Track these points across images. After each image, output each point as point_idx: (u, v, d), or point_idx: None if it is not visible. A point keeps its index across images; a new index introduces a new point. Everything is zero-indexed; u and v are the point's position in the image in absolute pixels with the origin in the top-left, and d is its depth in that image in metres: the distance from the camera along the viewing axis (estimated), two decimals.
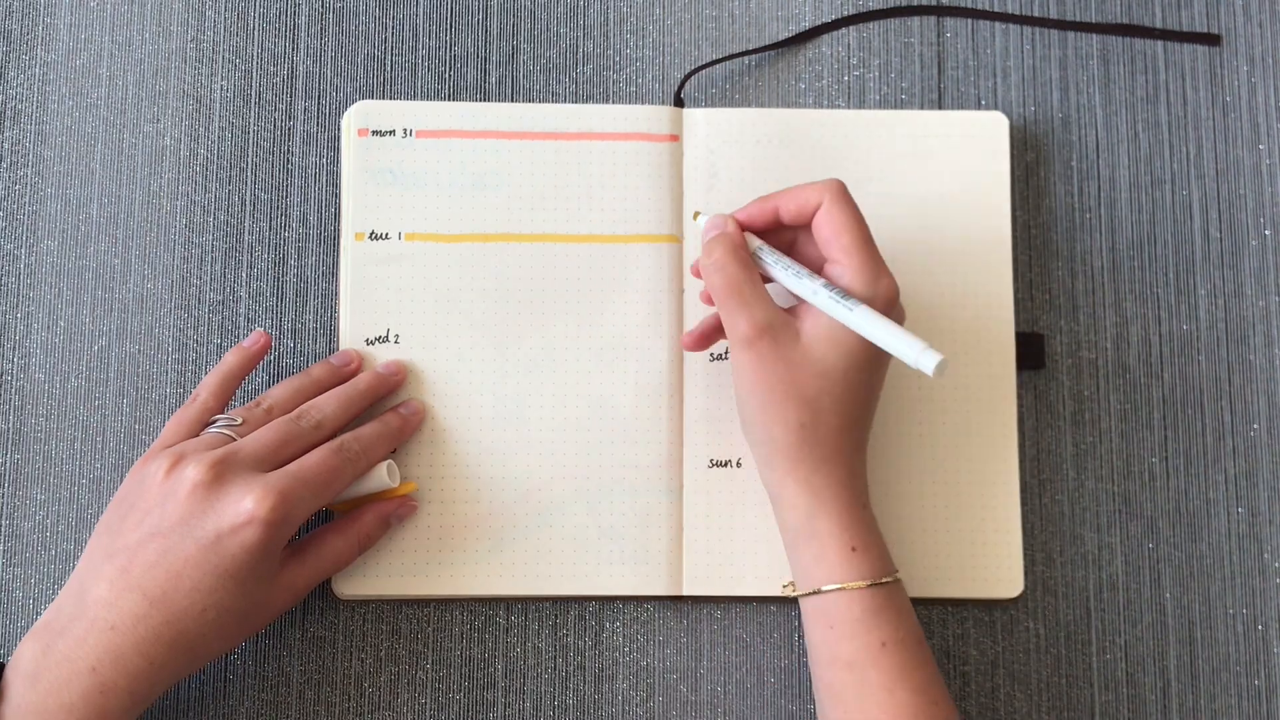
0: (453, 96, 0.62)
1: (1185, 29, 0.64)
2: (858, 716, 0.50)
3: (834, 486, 0.52)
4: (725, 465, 0.59)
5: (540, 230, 0.60)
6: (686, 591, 0.58)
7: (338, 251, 0.61)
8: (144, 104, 0.62)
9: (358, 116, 0.61)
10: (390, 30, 0.63)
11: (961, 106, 0.63)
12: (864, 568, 0.51)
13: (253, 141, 0.62)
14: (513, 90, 0.63)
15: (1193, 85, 0.64)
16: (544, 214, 0.60)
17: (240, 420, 0.54)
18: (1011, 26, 0.64)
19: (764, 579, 0.58)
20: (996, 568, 0.59)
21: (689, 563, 0.58)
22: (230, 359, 0.57)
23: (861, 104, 0.63)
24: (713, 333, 0.57)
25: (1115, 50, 0.64)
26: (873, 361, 0.52)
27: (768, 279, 0.54)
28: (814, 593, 0.51)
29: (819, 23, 0.64)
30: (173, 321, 0.61)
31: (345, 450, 0.54)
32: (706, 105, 0.63)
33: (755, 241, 0.54)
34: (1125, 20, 0.64)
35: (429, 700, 0.58)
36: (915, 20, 0.64)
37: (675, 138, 0.61)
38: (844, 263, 0.52)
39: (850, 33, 0.64)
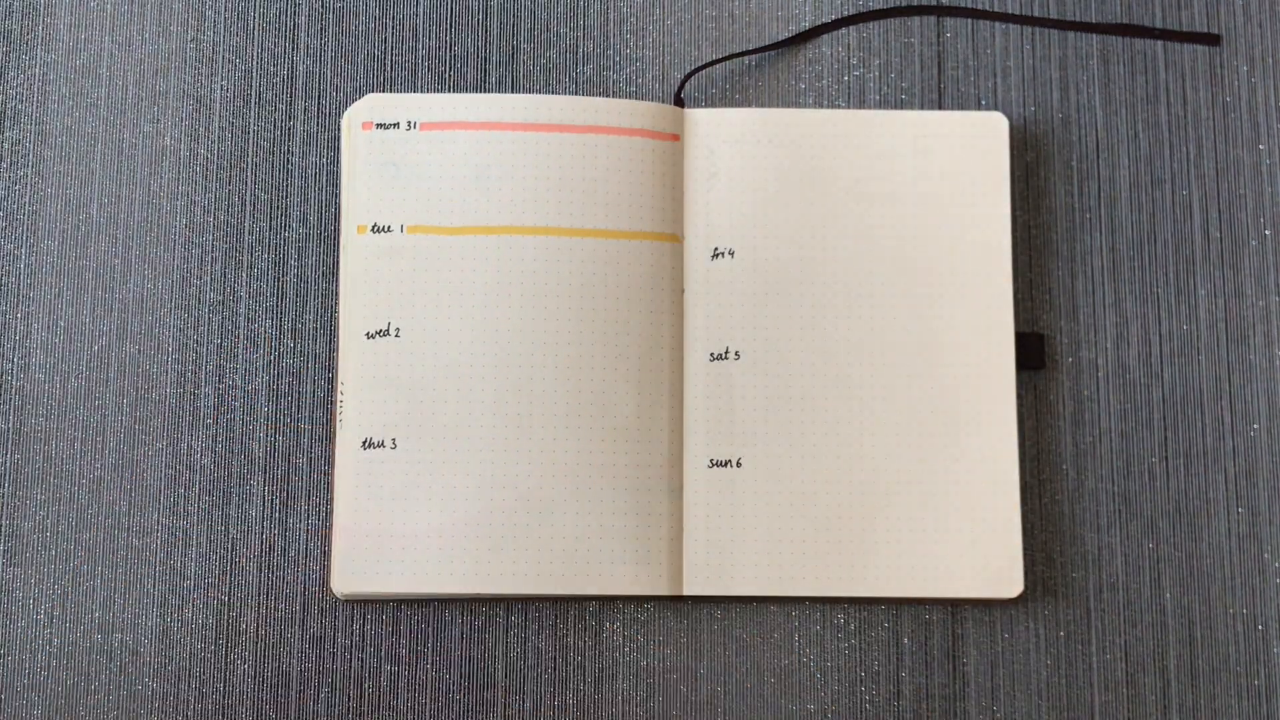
0: None
1: (1185, 29, 0.64)
2: None
3: None
4: (725, 465, 0.59)
5: (543, 224, 0.60)
6: (686, 591, 0.58)
7: (338, 251, 0.61)
8: (144, 104, 0.62)
9: (364, 110, 0.61)
10: (390, 30, 0.63)
11: (961, 106, 0.63)
12: None
13: (253, 141, 0.62)
14: (512, 90, 0.63)
15: (1193, 85, 0.64)
16: (547, 207, 0.60)
17: None
18: (1011, 26, 0.64)
19: (764, 579, 0.58)
20: (996, 568, 0.59)
21: (689, 563, 0.58)
22: None
23: (861, 104, 0.63)
24: None
25: (1115, 50, 0.64)
26: None
27: None
28: None
29: (819, 23, 0.64)
30: (173, 321, 0.61)
31: None
32: (706, 105, 0.63)
33: None
34: (1125, 20, 0.64)
35: (429, 700, 0.58)
36: (915, 20, 0.64)
37: (676, 137, 0.61)
38: None
39: (850, 33, 0.64)
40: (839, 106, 0.63)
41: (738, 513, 0.59)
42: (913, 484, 0.59)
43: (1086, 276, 0.62)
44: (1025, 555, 0.59)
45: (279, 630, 0.58)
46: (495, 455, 0.58)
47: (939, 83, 0.64)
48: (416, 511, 0.58)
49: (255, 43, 0.63)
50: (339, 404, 0.59)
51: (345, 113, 0.61)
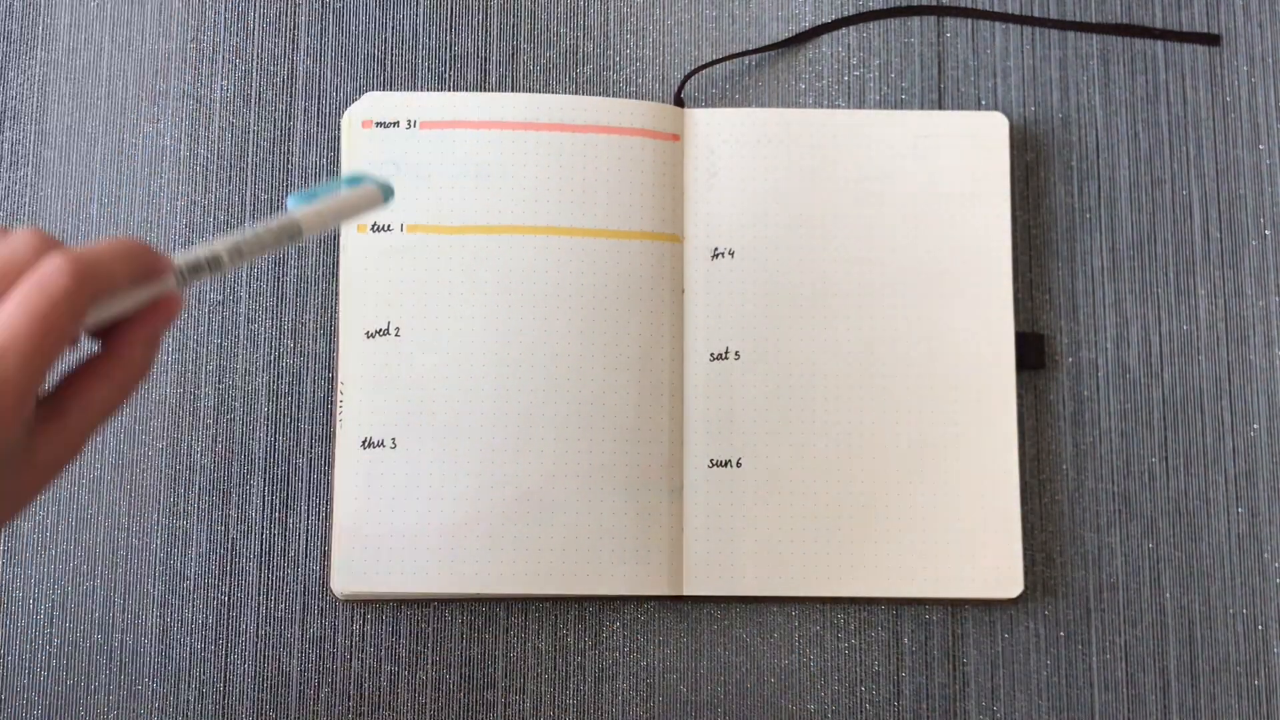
0: None
1: (1185, 29, 0.64)
2: None
3: None
4: (725, 465, 0.59)
5: (543, 223, 0.60)
6: (686, 591, 0.58)
7: (338, 251, 0.61)
8: (144, 104, 0.62)
9: (364, 108, 0.61)
10: (390, 30, 0.63)
11: (961, 106, 0.63)
12: None
13: (253, 141, 0.62)
14: (512, 90, 0.63)
15: (1193, 85, 0.64)
16: (547, 207, 0.60)
17: None
18: (1011, 26, 0.64)
19: (764, 579, 0.58)
20: (996, 568, 0.59)
21: (689, 563, 0.58)
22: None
23: (861, 104, 0.63)
24: None
25: (1115, 50, 0.64)
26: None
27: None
28: None
29: (819, 23, 0.64)
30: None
31: (81, 268, 0.38)
32: (706, 105, 0.63)
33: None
34: (1125, 20, 0.64)
35: (429, 700, 0.58)
36: (915, 20, 0.64)
37: (676, 137, 0.61)
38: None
39: (850, 33, 0.64)
40: (839, 106, 0.63)
41: (738, 513, 0.59)
42: (913, 484, 0.59)
43: (1086, 276, 0.62)
44: (1025, 555, 0.59)
45: (279, 630, 0.58)
46: (495, 455, 0.58)
47: (939, 83, 0.64)
48: (416, 511, 0.58)
49: (255, 43, 0.63)
50: (339, 403, 0.59)
51: (345, 112, 0.61)
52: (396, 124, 0.61)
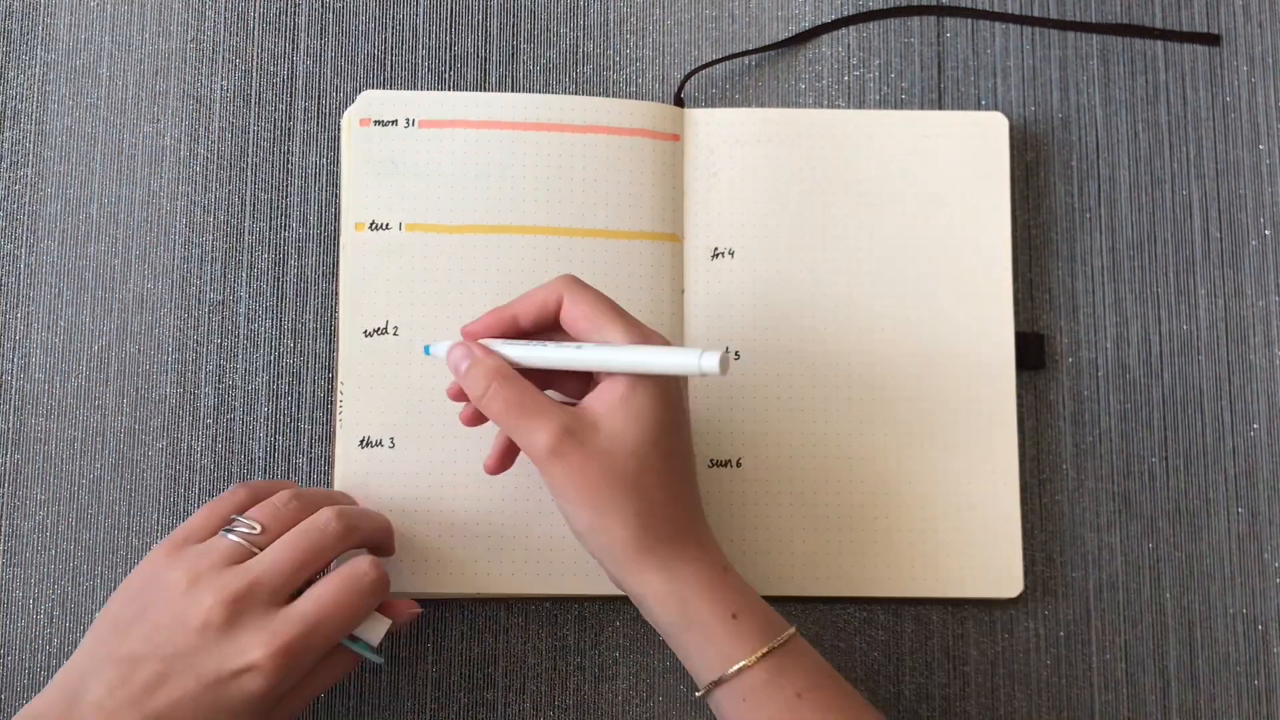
0: None
1: (1185, 29, 0.64)
2: None
3: (691, 562, 0.50)
4: (725, 465, 0.59)
5: (542, 223, 0.60)
6: None
7: (338, 250, 0.61)
8: (144, 104, 0.62)
9: (362, 106, 0.61)
10: (390, 30, 0.63)
11: (961, 106, 0.63)
12: (751, 633, 0.50)
13: (253, 141, 0.62)
14: (512, 90, 0.63)
15: (1193, 85, 0.64)
16: (546, 207, 0.60)
17: (259, 529, 0.51)
18: (1011, 26, 0.64)
19: (764, 579, 0.58)
20: (996, 568, 0.59)
21: None
22: (286, 491, 0.54)
23: (861, 104, 0.63)
24: (511, 449, 0.55)
25: (1115, 50, 0.64)
26: (673, 420, 0.51)
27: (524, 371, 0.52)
28: (717, 683, 0.50)
29: (819, 23, 0.64)
30: (173, 321, 0.61)
31: (360, 577, 0.51)
32: (706, 105, 0.63)
33: (495, 344, 0.52)
34: (1125, 20, 0.64)
35: (429, 700, 0.58)
36: (915, 20, 0.64)
37: (676, 137, 0.61)
38: (609, 331, 0.51)
39: (850, 33, 0.64)
40: (839, 106, 0.63)
41: (738, 513, 0.59)
42: (913, 484, 0.59)
43: (1086, 276, 0.62)
44: (1025, 555, 0.59)
45: None
46: None
47: (939, 83, 0.64)
48: (415, 511, 0.58)
49: (255, 43, 0.63)
50: (339, 403, 0.59)
51: (345, 112, 0.61)
52: (395, 122, 0.61)
